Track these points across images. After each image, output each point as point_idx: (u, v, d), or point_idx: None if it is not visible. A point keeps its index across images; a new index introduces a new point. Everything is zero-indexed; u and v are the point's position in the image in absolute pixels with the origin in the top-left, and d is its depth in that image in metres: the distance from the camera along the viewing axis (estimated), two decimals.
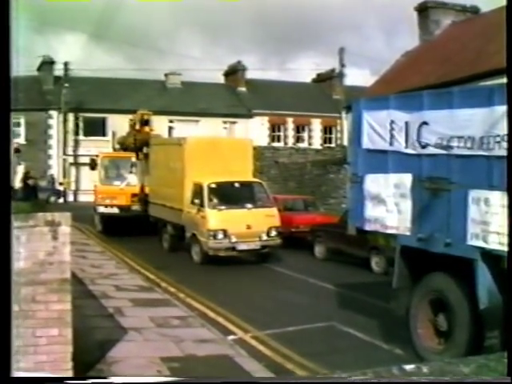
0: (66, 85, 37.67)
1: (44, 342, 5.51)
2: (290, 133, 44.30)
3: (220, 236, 14.47)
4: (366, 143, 8.37)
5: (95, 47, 74.90)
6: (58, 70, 39.44)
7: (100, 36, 69.58)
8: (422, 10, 24.02)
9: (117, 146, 23.46)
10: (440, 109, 7.16)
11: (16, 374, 4.24)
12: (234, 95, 43.81)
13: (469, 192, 6.70)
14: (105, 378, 5.86)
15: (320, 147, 39.10)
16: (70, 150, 39.11)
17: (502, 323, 6.23)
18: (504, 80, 4.70)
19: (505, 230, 6.15)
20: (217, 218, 14.67)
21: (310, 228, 16.91)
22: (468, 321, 6.90)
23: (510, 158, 5.92)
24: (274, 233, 14.95)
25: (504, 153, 6.08)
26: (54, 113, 38.40)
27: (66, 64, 38.77)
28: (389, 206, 7.92)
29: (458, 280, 7.07)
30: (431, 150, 7.28)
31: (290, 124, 44.13)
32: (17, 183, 19.47)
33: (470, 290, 6.75)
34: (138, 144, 20.16)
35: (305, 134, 44.79)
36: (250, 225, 14.71)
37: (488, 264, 6.57)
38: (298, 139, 44.35)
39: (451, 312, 7.13)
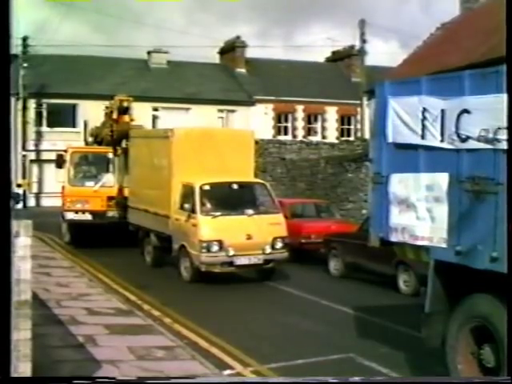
0: (25, 64, 37.63)
1: None
2: (300, 123, 44.40)
3: (215, 248, 14.46)
4: (393, 136, 8.36)
5: (61, 17, 74.85)
6: (15, 47, 39.38)
7: (64, 3, 69.43)
8: None
9: (89, 139, 23.50)
10: (485, 93, 7.09)
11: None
12: (232, 78, 43.91)
13: None
14: (107, 378, 6.23)
15: (336, 141, 39.16)
16: (30, 145, 39.21)
17: None
18: None
19: None
20: (211, 226, 14.67)
21: (323, 238, 16.92)
22: None
23: (510, 153, 6.06)
24: (279, 244, 14.96)
25: None
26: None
27: (24, 39, 38.63)
28: (420, 212, 7.88)
29: (506, 303, 7.00)
30: (473, 144, 7.22)
31: (300, 113, 44.24)
32: None
33: None
34: (115, 136, 20.21)
35: (317, 125, 44.89)
36: (250, 234, 14.70)
37: None
38: (310, 131, 44.44)
39: (499, 343, 7.06)
